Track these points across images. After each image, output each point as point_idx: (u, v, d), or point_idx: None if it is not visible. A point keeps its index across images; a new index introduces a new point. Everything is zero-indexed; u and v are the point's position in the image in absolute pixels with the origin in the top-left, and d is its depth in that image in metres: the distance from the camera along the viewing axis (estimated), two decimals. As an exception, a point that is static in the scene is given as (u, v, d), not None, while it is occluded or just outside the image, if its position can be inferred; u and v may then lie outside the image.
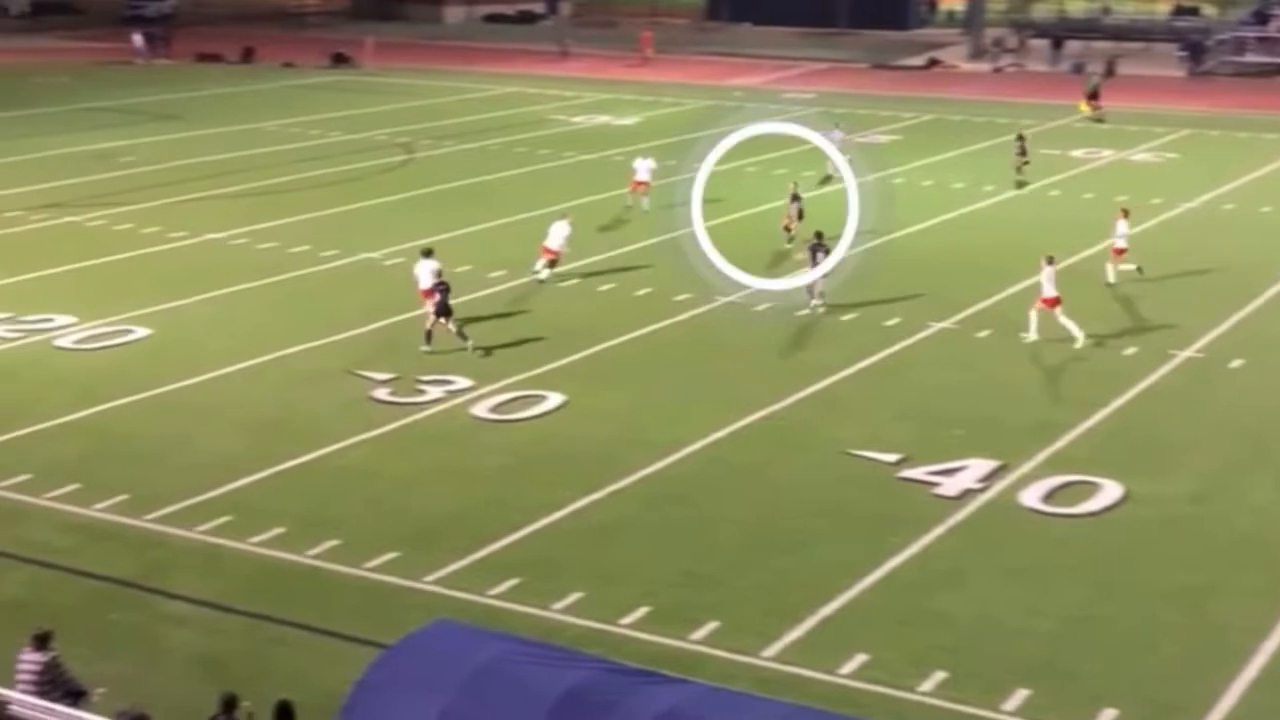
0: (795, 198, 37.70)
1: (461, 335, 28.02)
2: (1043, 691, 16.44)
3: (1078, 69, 73.87)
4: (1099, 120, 58.83)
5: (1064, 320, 28.63)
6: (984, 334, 29.66)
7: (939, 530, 20.59)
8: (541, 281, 33.11)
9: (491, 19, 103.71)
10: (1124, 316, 31.09)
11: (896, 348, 28.79)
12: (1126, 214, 34.34)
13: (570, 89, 67.80)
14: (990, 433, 24.18)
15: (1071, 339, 28.49)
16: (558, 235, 33.38)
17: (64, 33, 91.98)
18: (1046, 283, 28.89)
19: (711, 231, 38.30)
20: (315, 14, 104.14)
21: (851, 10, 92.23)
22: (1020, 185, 44.69)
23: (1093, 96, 60.27)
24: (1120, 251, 33.74)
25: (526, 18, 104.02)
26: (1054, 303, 28.73)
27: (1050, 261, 29.01)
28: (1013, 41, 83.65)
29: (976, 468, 22.63)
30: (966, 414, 25.18)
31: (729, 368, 27.64)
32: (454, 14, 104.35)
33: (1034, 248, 34.73)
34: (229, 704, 14.26)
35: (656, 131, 55.20)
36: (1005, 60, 78.95)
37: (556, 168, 47.07)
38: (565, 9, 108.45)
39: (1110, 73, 72.57)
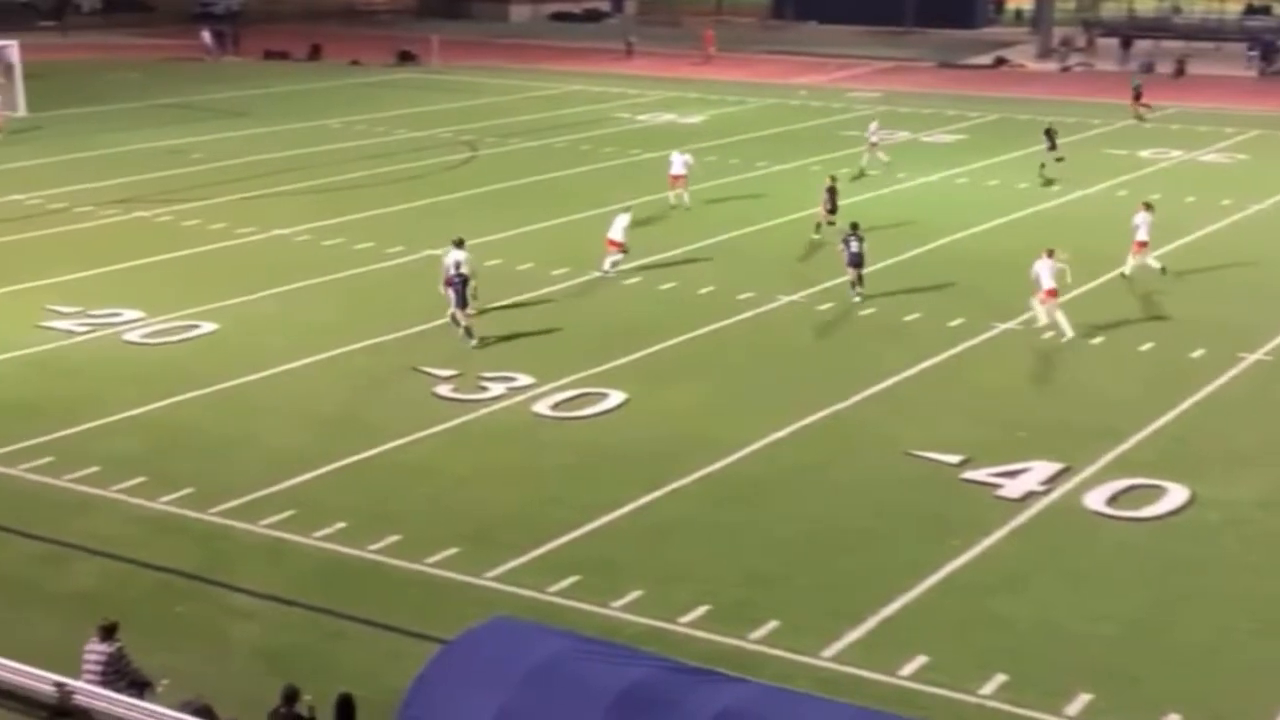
0: (831, 190, 37.75)
1: (465, 331, 28.44)
2: (1104, 696, 16.30)
3: (1147, 69, 73.22)
4: (1140, 119, 58.38)
5: (1059, 316, 28.98)
6: (1048, 335, 29.41)
7: (1001, 533, 20.45)
8: (613, 272, 33.39)
9: (557, 17, 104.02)
10: (1190, 318, 30.74)
11: (960, 348, 28.63)
12: (1149, 207, 34.20)
13: (635, 87, 67.86)
14: (1054, 435, 23.99)
15: (1060, 334, 28.88)
16: (619, 226, 33.68)
17: (134, 30, 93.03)
18: (1045, 275, 29.29)
19: (776, 230, 38.35)
20: (382, 12, 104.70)
21: (918, 8, 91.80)
22: (1047, 183, 44.56)
23: (1137, 97, 59.92)
24: (1142, 245, 33.70)
25: (592, 15, 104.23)
26: (1053, 294, 29.21)
27: (1050, 254, 29.48)
28: (1081, 40, 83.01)
29: (1040, 470, 22.45)
30: (1030, 416, 25.00)
31: (791, 367, 27.58)
32: (520, 12, 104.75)
33: (1101, 249, 34.55)
34: (290, 697, 14.39)
35: (721, 130, 55.16)
36: (1073, 59, 78.33)
37: (620, 166, 47.13)
38: (631, 7, 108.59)
39: (1180, 72, 71.85)
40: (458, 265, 28.98)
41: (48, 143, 51.33)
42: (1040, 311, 29.43)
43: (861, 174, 44.20)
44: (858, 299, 31.46)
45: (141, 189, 43.20)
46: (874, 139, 47.12)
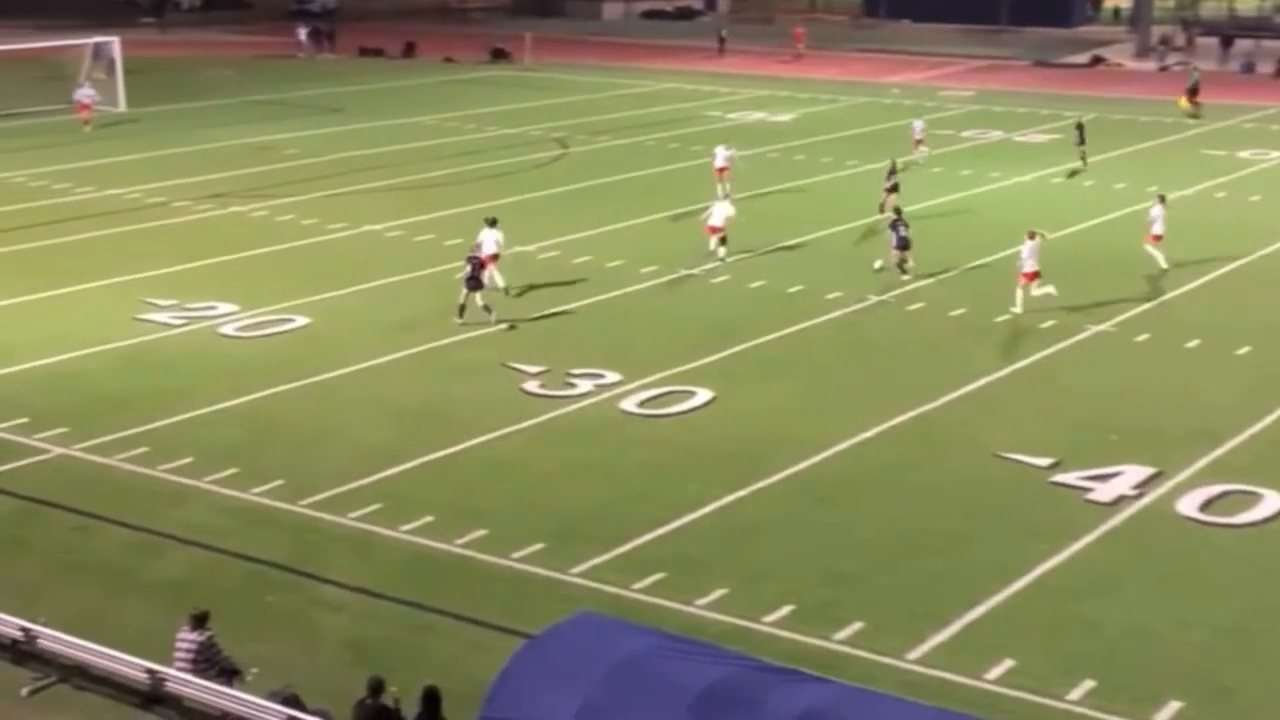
0: (892, 171, 39.71)
1: (487, 309, 29.22)
2: (1195, 704, 16.07)
3: (1248, 69, 72.03)
4: (1194, 116, 57.86)
5: (1036, 291, 30.26)
6: (1142, 338, 29.06)
7: (1091, 537, 20.22)
8: (723, 257, 34.02)
9: (649, 15, 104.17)
10: (1290, 322, 30.25)
11: (1051, 350, 28.34)
12: (1163, 200, 34.98)
13: (726, 85, 67.78)
14: (1147, 438, 23.68)
15: (1018, 311, 30.31)
16: (720, 214, 34.44)
17: (232, 27, 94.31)
18: (1028, 258, 30.40)
19: (866, 229, 38.14)
20: (476, 10, 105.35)
21: (1013, 7, 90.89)
22: (1072, 174, 45.57)
23: (1193, 93, 59.62)
24: (1157, 238, 34.11)
25: (684, 13, 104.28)
26: (1033, 277, 30.40)
27: (1031, 236, 30.63)
28: (1180, 39, 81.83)
29: (1131, 474, 22.17)
30: (1122, 419, 24.69)
31: (879, 367, 27.43)
32: (612, 9, 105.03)
33: (1198, 251, 34.08)
34: (376, 689, 14.53)
35: (812, 128, 54.97)
36: (1172, 59, 77.22)
37: (709, 164, 47.02)
38: (723, 4, 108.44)
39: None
40: (479, 245, 30.40)
41: (146, 138, 52.17)
42: (1018, 298, 30.58)
43: (905, 168, 44.08)
44: (906, 277, 32.60)
45: (237, 184, 43.79)
46: (919, 136, 47.99)
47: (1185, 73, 64.73)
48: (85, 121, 54.20)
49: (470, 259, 29.53)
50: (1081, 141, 46.79)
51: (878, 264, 33.30)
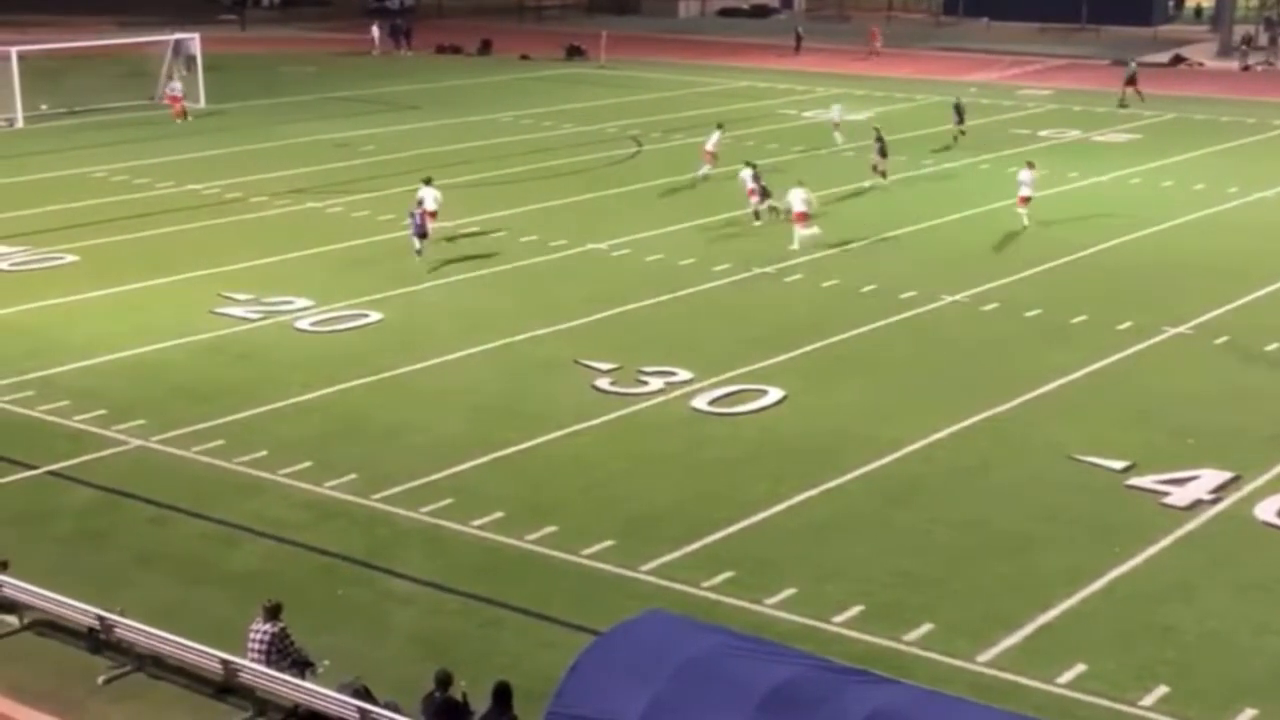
0: (879, 139, 43.91)
1: (419, 253, 34.15)
2: (1271, 713, 15.86)
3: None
4: (1123, 106, 59.90)
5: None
6: (1220, 340, 28.70)
7: (1166, 541, 19.99)
8: (808, 237, 35.15)
9: (725, 13, 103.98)
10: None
11: (1128, 352, 28.04)
12: (1031, 165, 39.00)
13: (802, 83, 67.58)
14: (1224, 442, 23.38)
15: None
16: (798, 199, 35.41)
17: (311, 24, 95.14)
18: (1025, 185, 37.16)
19: (940, 229, 37.96)
20: (552, 7, 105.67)
21: (1093, 5, 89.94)
22: (944, 148, 48.86)
23: (1130, 82, 61.42)
24: (1025, 200, 38.04)
25: (760, 11, 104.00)
26: (1024, 201, 36.94)
27: (1031, 166, 37.59)
28: (1263, 39, 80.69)
29: (1208, 478, 21.90)
30: (1199, 422, 24.39)
31: (952, 367, 27.25)
32: (688, 8, 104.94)
33: (1278, 253, 33.61)
34: (444, 682, 14.61)
35: (887, 127, 54.60)
36: (1254, 58, 76.16)
37: (784, 163, 46.88)
38: (800, 2, 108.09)
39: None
40: (421, 202, 34.97)
41: (224, 134, 52.73)
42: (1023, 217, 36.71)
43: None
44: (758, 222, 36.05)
45: (314, 180, 44.18)
46: (836, 119, 50.15)
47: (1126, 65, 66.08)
48: (179, 114, 55.17)
49: (412, 214, 34.51)
50: (960, 121, 50.60)
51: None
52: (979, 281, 32.53)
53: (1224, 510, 20.99)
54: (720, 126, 45.23)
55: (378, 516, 20.77)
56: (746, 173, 38.59)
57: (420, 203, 35.06)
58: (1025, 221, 37.35)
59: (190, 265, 33.90)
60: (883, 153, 43.02)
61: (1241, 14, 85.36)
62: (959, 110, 51.39)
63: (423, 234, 34.12)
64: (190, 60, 61.60)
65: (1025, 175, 37.90)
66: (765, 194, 37.89)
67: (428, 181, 36.10)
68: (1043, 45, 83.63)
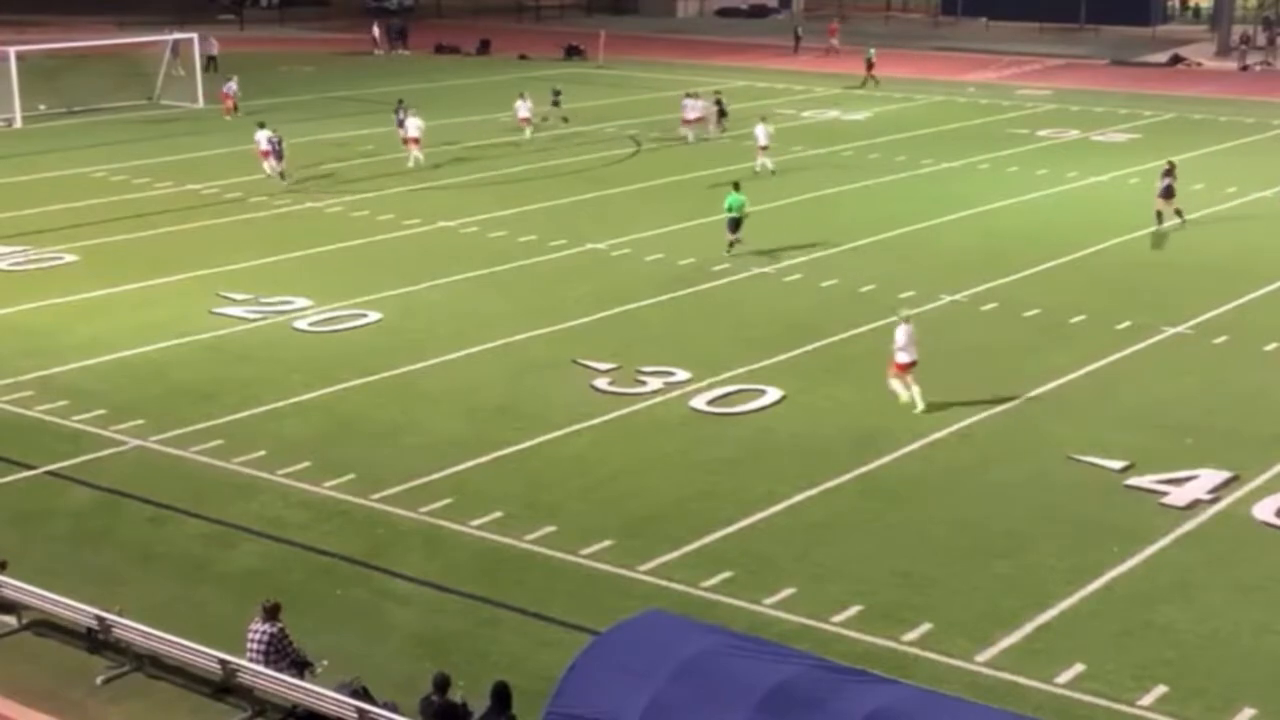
0: (719, 103, 50.90)
1: (281, 175, 41.76)
2: (1270, 712, 15.86)
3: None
4: (857, 87, 64.53)
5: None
6: (1220, 340, 28.71)
7: (1165, 541, 19.99)
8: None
9: (723, 12, 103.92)
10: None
11: (1127, 351, 28.05)
12: (765, 119, 44.32)
13: (800, 83, 67.57)
14: (1223, 442, 23.38)
15: None
16: (761, 134, 42.94)
17: (310, 24, 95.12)
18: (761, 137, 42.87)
19: (939, 228, 37.96)
20: (550, 7, 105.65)
21: (1091, 5, 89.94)
22: (543, 119, 49.68)
23: (869, 66, 65.99)
24: (763, 149, 43.94)
25: (758, 11, 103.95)
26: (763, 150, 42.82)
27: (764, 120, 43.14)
28: (1261, 39, 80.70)
29: (1207, 478, 21.90)
30: (1198, 422, 24.40)
31: (951, 367, 27.20)
32: (686, 8, 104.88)
33: (1278, 253, 33.60)
34: (442, 685, 14.59)
35: (887, 127, 54.69)
36: (1253, 58, 76.17)
37: (782, 163, 46.92)
38: (798, 2, 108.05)
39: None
40: (269, 139, 42.80)
41: (223, 134, 52.65)
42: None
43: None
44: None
45: (313, 180, 44.15)
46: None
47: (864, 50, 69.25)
48: (228, 111, 55.98)
49: (273, 147, 42.39)
50: (556, 104, 53.31)
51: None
52: (978, 281, 32.54)
53: (1223, 510, 20.99)
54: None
55: (376, 516, 20.77)
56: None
57: (260, 143, 43.14)
58: (770, 168, 43.64)
59: (189, 265, 33.90)
60: (721, 113, 51.29)
61: (1240, 14, 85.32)
62: (555, 94, 55.07)
63: (279, 155, 42.78)
64: (196, 60, 61.66)
65: (760, 130, 44.29)
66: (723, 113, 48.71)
67: (261, 125, 43.94)
68: (1041, 45, 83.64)
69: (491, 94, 62.57)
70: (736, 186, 35.32)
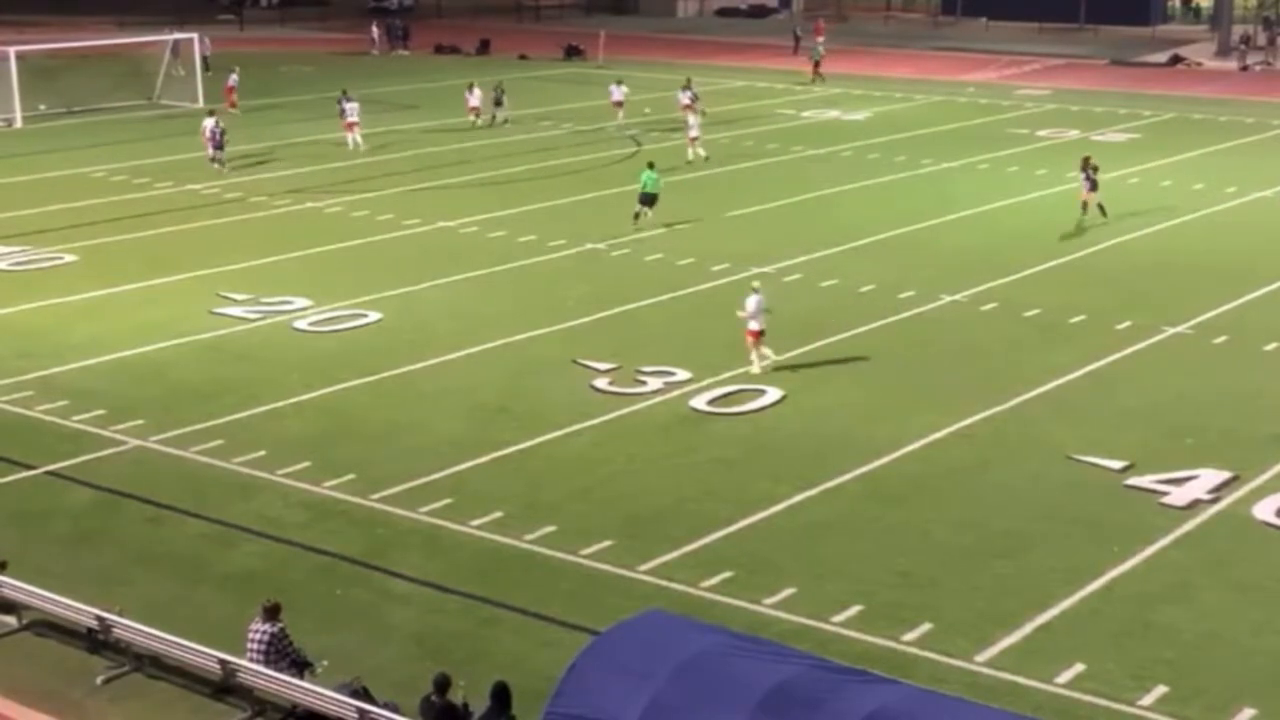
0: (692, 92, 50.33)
1: (219, 163, 44.82)
2: (1270, 712, 15.86)
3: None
4: (802, 83, 65.77)
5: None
6: (1220, 340, 28.71)
7: (1165, 541, 20.00)
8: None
9: (723, 12, 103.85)
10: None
11: (1127, 351, 28.05)
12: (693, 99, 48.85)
13: (801, 83, 67.53)
14: (1223, 442, 23.39)
15: None
16: (693, 126, 45.99)
17: (310, 23, 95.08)
18: (693, 128, 43.74)
19: (938, 228, 37.96)
20: (550, 7, 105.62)
21: (1091, 5, 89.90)
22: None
23: (816, 65, 67.54)
24: (694, 139, 46.13)
25: (758, 11, 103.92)
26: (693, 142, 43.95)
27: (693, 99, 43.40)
28: (1261, 39, 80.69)
29: (1207, 478, 21.90)
30: (1198, 422, 24.40)
31: (951, 367, 27.25)
32: (686, 8, 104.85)
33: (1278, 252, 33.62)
34: (442, 686, 14.59)
35: (886, 127, 54.70)
36: (1253, 58, 76.16)
37: (783, 162, 46.95)
38: (798, 2, 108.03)
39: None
40: (212, 128, 45.64)
41: (224, 134, 52.56)
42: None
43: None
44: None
45: (313, 180, 44.17)
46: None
47: (811, 48, 71.41)
48: (231, 105, 56.54)
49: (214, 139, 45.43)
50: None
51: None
52: (978, 281, 32.54)
53: (1223, 510, 20.99)
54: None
55: (376, 517, 20.77)
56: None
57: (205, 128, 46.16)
58: (704, 155, 45.45)
59: (189, 265, 33.89)
60: (498, 103, 54.03)
61: (1240, 14, 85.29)
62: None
63: (219, 146, 45.53)
64: (196, 60, 61.64)
65: (692, 120, 45.14)
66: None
67: (211, 113, 47.47)
68: (1041, 45, 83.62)
69: (492, 94, 62.48)
70: (651, 165, 38.07)
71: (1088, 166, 38.17)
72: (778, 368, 26.64)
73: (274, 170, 45.60)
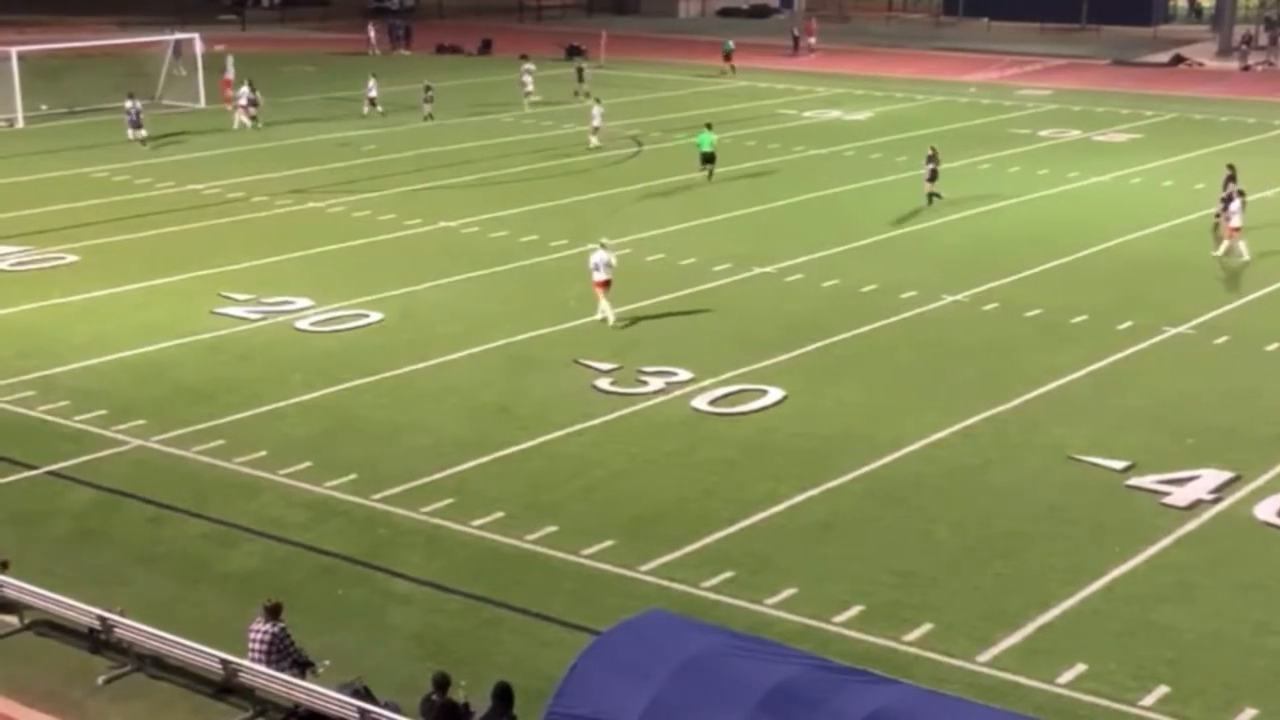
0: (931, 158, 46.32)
1: (142, 142, 48.19)
2: (1271, 712, 15.87)
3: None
4: (716, 76, 68.06)
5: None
6: (1221, 340, 28.70)
7: (1166, 541, 19.99)
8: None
9: (725, 12, 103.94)
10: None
11: (1128, 352, 28.04)
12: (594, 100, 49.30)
13: (801, 83, 67.57)
14: (1225, 442, 23.38)
15: None
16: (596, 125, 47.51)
17: (311, 24, 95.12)
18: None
19: (941, 229, 37.97)
20: (552, 7, 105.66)
21: (1093, 5, 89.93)
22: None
23: (727, 57, 70.01)
24: (595, 129, 48.34)
25: (759, 11, 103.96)
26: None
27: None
28: (1263, 38, 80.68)
29: (1209, 478, 21.90)
30: (1199, 422, 24.40)
31: (952, 367, 27.25)
32: (688, 8, 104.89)
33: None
34: (442, 685, 14.59)
35: (888, 127, 54.70)
36: (1254, 58, 76.16)
37: (785, 162, 46.96)
38: (799, 2, 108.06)
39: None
40: (132, 108, 49.16)
41: (225, 134, 52.69)
42: None
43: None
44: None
45: (315, 180, 44.18)
46: (244, 101, 53.97)
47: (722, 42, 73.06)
48: (228, 100, 56.92)
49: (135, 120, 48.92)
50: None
51: None
52: (979, 281, 32.54)
53: (1224, 510, 20.99)
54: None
55: (377, 517, 20.77)
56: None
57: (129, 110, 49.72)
58: (597, 142, 48.69)
59: (191, 265, 33.90)
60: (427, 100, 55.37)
61: (1242, 14, 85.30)
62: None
63: (138, 126, 49.41)
64: (189, 60, 61.69)
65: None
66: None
67: (131, 96, 50.52)
68: (1042, 45, 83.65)
69: (492, 94, 62.62)
70: (709, 126, 43.70)
71: (932, 160, 40.29)
72: (784, 370, 26.64)
73: (276, 170, 45.57)
